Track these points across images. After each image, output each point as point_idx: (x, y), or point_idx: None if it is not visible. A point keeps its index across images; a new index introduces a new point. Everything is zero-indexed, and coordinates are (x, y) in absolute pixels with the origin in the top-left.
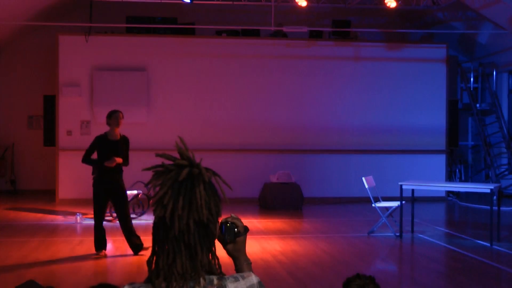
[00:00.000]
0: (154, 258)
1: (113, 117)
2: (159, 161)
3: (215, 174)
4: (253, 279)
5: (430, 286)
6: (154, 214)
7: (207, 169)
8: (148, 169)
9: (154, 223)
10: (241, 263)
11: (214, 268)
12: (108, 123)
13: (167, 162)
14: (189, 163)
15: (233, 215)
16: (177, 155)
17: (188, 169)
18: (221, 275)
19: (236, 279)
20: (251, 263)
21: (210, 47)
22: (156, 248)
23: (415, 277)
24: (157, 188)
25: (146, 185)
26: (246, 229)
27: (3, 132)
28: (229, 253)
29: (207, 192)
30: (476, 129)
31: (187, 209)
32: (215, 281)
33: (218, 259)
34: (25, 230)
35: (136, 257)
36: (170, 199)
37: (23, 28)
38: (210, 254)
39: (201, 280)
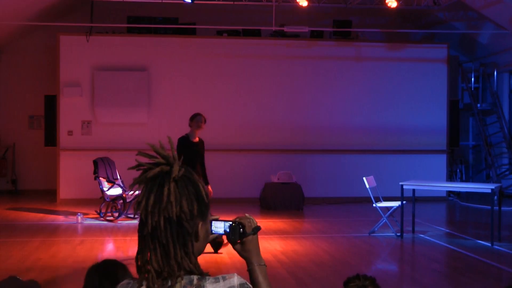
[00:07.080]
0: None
1: (195, 120)
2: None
3: (189, 172)
4: (234, 280)
5: (431, 286)
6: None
7: (180, 167)
8: (132, 168)
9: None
10: (252, 264)
11: (196, 268)
12: (189, 125)
13: (147, 160)
14: (167, 161)
15: (247, 214)
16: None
17: (160, 167)
18: (203, 276)
19: (217, 280)
20: (264, 265)
21: (211, 47)
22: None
23: (416, 277)
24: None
25: (131, 185)
26: (255, 229)
27: (4, 132)
28: (239, 253)
29: (180, 189)
30: (477, 129)
31: (158, 207)
32: (195, 281)
33: (195, 258)
34: (26, 230)
35: None
36: (144, 196)
37: (24, 28)
38: (185, 253)
39: (180, 279)
